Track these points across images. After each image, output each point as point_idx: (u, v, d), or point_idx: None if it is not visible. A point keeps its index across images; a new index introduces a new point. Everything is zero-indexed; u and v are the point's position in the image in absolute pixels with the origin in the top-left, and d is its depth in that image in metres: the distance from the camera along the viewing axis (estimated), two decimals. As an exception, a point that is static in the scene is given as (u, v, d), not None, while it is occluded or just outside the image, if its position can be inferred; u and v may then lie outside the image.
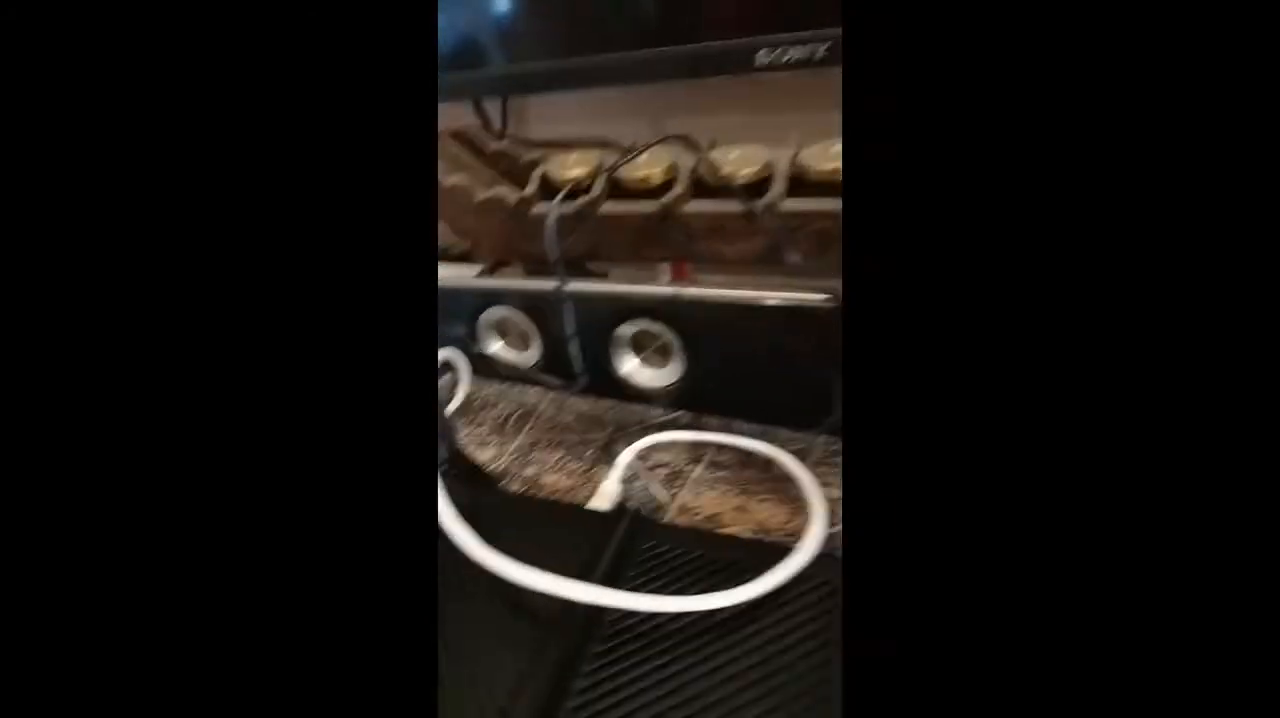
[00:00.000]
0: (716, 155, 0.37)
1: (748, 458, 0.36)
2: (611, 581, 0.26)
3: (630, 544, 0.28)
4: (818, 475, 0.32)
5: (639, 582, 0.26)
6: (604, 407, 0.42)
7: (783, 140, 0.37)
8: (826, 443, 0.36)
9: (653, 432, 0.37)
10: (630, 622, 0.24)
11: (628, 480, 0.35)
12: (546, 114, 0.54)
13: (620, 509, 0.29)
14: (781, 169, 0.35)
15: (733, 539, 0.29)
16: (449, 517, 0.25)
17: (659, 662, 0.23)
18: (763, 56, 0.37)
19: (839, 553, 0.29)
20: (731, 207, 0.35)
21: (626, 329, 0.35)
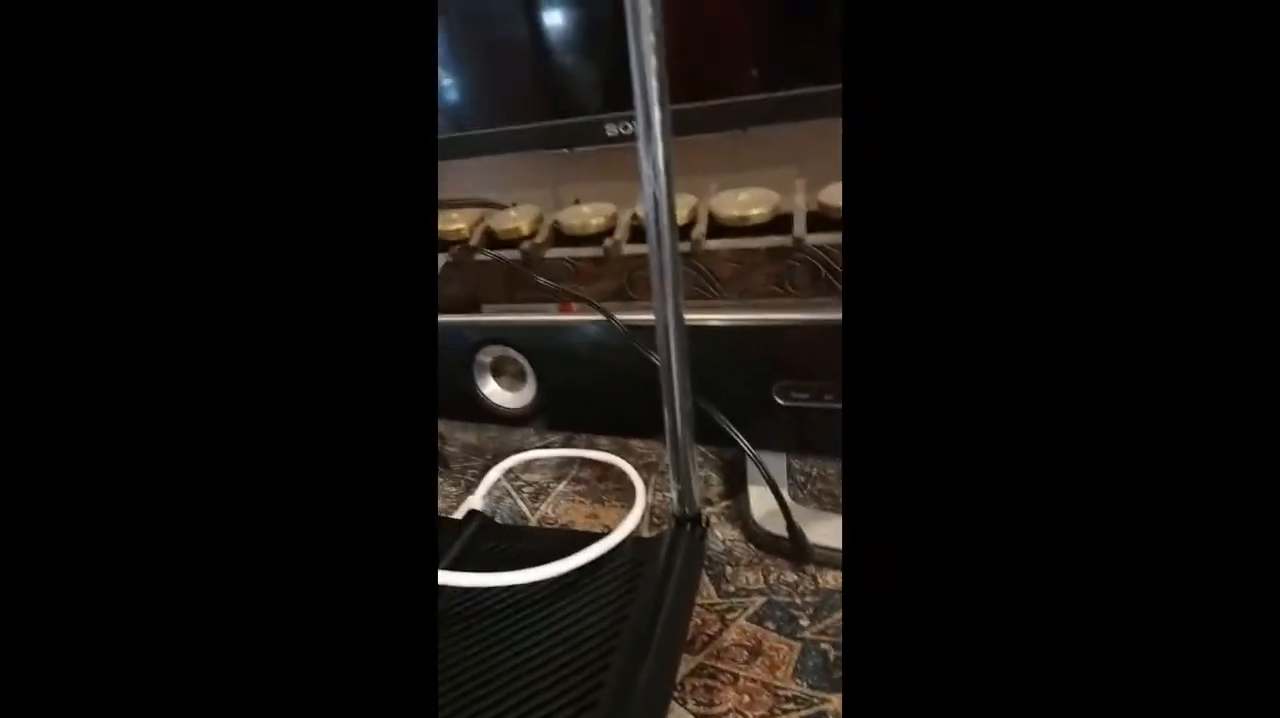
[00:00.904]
0: (571, 211, 0.43)
1: (606, 471, 0.40)
2: (458, 568, 0.29)
3: (475, 545, 0.31)
4: (667, 481, 0.36)
5: (476, 568, 0.29)
6: (488, 437, 0.46)
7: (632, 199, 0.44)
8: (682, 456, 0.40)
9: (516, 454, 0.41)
10: (457, 603, 0.27)
11: (493, 497, 0.38)
12: (452, 180, 0.60)
13: (472, 513, 0.32)
14: (624, 221, 0.41)
15: (566, 532, 0.33)
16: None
17: (478, 623, 0.26)
18: (610, 129, 0.44)
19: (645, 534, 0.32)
20: (589, 251, 0.40)
21: (484, 356, 0.39)
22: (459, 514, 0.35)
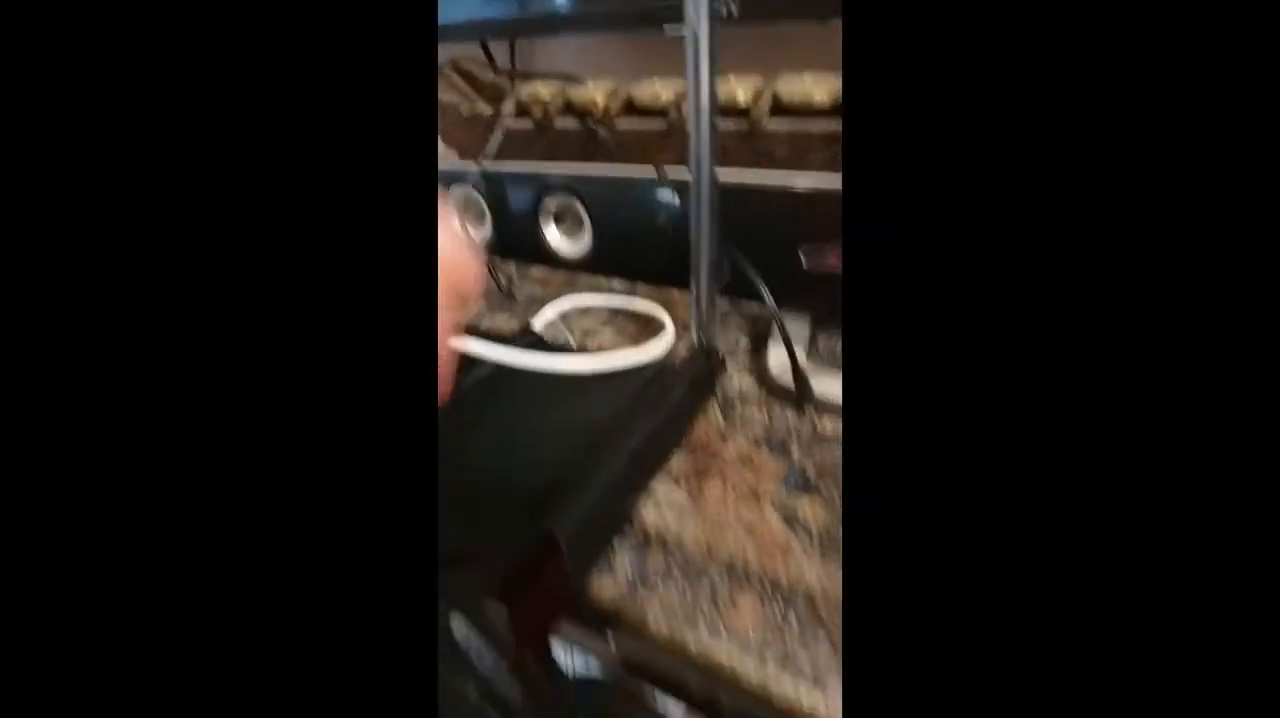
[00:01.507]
0: (642, 84, 0.46)
1: (646, 320, 0.45)
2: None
3: (530, 345, 0.37)
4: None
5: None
6: (551, 291, 0.52)
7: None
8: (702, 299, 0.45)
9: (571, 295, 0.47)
10: (500, 378, 0.34)
11: (550, 332, 0.45)
12: (552, 54, 0.64)
13: (525, 329, 0.39)
14: (675, 92, 0.44)
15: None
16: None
17: (512, 405, 0.33)
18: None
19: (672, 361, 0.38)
20: (657, 124, 0.44)
21: (550, 203, 0.45)
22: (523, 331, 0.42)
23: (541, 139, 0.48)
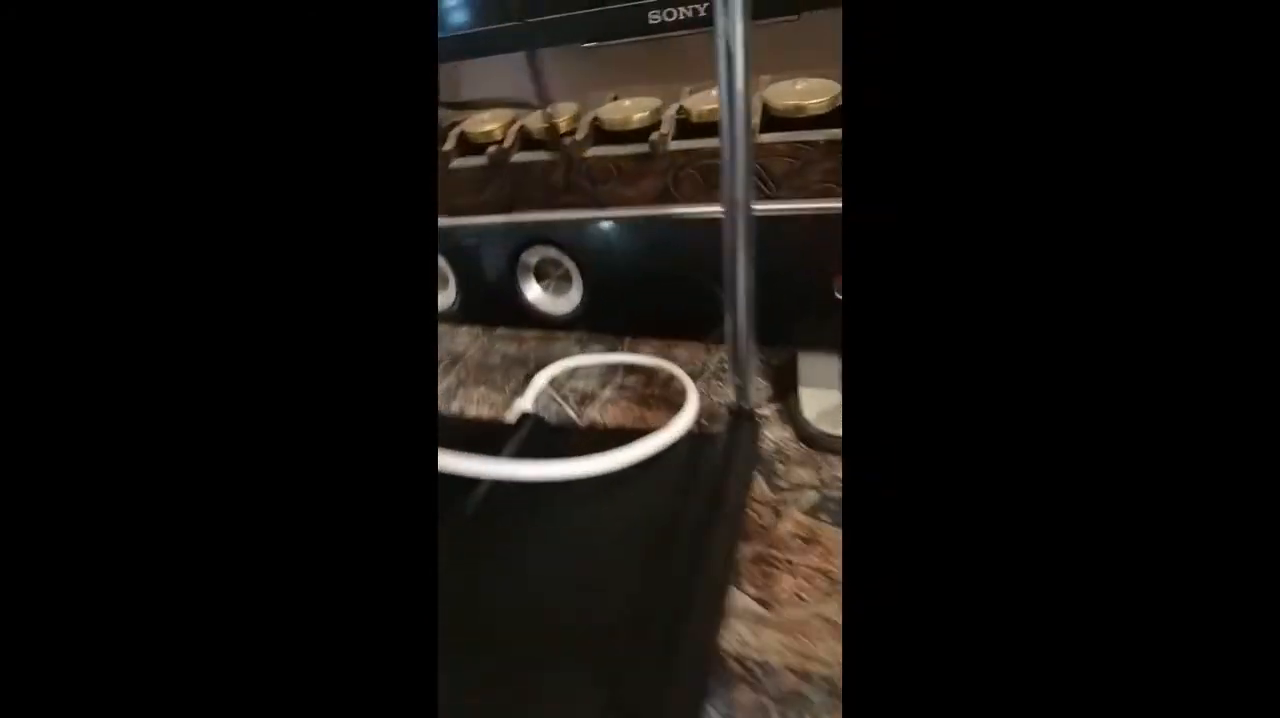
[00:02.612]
0: (612, 106, 0.40)
1: (651, 377, 0.39)
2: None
3: (529, 444, 0.31)
4: (711, 386, 0.35)
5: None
6: (529, 348, 0.45)
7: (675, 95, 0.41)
8: (721, 360, 0.40)
9: (562, 360, 0.40)
10: (513, 490, 0.27)
11: (544, 406, 0.38)
12: (474, 82, 0.57)
13: (525, 416, 0.32)
14: (669, 114, 0.39)
15: (621, 431, 0.33)
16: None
17: (534, 521, 0.26)
18: (654, 16, 0.41)
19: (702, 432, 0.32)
20: (632, 149, 0.38)
21: (529, 257, 0.38)
22: (510, 417, 0.35)
23: (497, 180, 0.41)
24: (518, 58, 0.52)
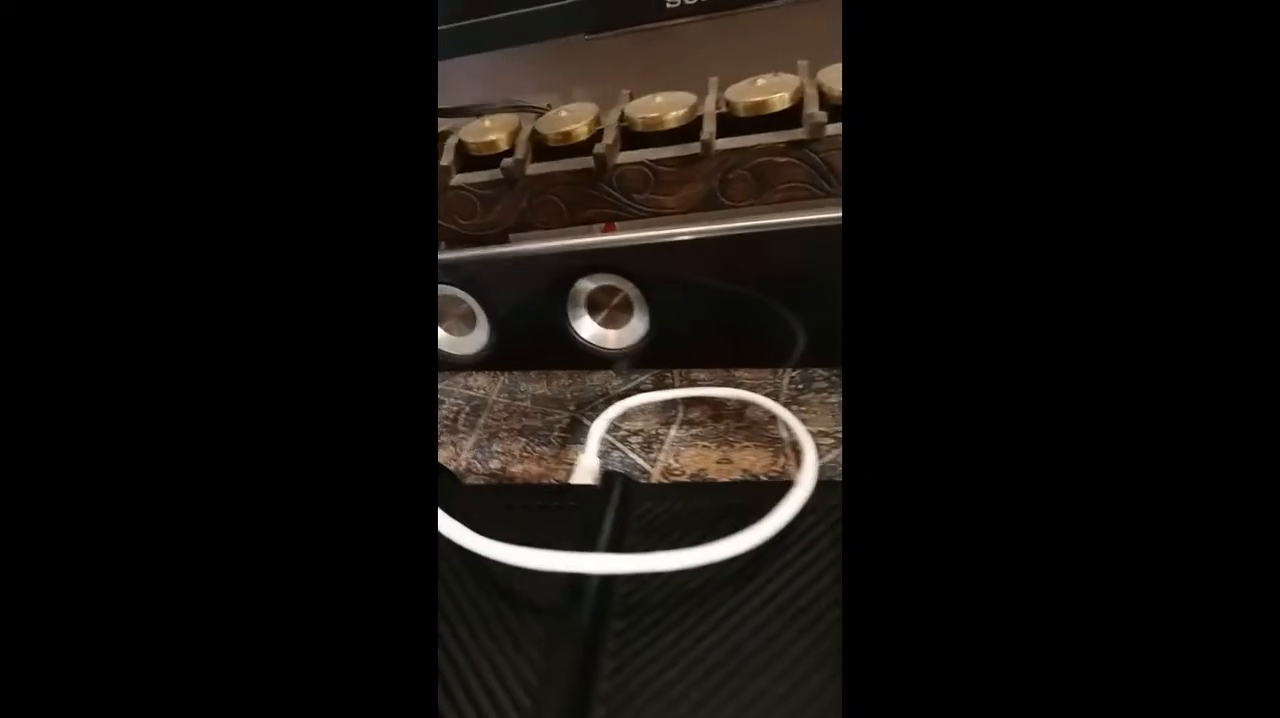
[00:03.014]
0: (639, 103, 0.35)
1: (719, 409, 0.35)
2: (616, 549, 0.24)
3: (625, 511, 0.26)
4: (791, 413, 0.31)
5: (646, 545, 0.24)
6: (561, 385, 0.40)
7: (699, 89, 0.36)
8: (791, 381, 0.36)
9: (617, 401, 0.35)
10: (645, 590, 0.22)
11: (603, 455, 0.33)
12: (452, 86, 0.50)
13: (608, 477, 0.27)
14: (709, 110, 0.34)
15: (728, 486, 0.28)
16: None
17: (686, 623, 0.21)
18: (671, 2, 0.36)
19: (837, 478, 0.28)
20: (667, 152, 0.34)
21: (584, 286, 0.33)
22: (582, 478, 0.30)
23: (507, 197, 0.35)
24: (493, 57, 0.45)
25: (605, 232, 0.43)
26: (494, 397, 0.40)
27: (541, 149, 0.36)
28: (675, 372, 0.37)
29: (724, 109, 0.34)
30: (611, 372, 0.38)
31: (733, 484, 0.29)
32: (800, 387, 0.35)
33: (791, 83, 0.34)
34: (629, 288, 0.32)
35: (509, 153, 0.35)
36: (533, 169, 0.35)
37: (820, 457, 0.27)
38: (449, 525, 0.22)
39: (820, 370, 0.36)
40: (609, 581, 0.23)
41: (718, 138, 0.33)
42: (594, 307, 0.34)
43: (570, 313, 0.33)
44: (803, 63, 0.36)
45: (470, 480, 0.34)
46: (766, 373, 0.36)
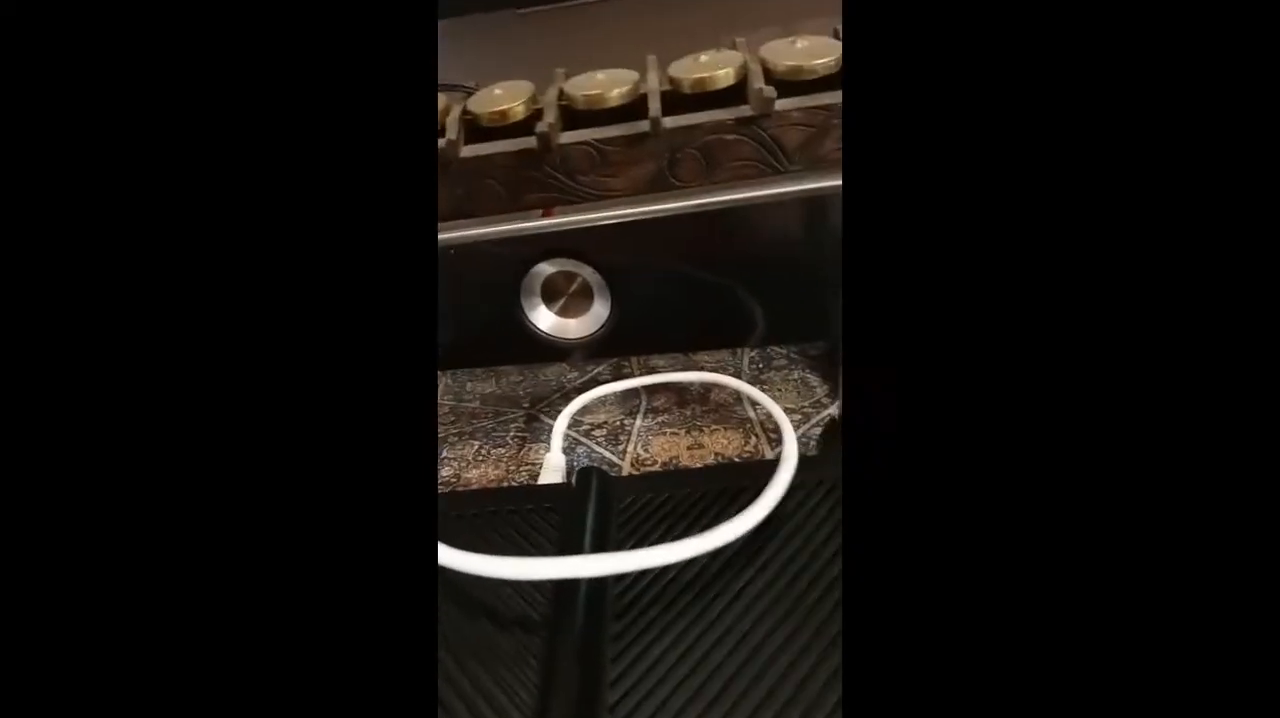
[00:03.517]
0: (579, 81, 0.34)
1: (684, 395, 0.34)
2: (602, 548, 0.23)
3: (605, 507, 0.24)
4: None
5: (634, 541, 0.23)
6: (512, 382, 0.37)
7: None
8: (751, 361, 0.35)
9: (575, 394, 0.33)
10: (638, 589, 0.21)
11: (567, 451, 0.31)
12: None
13: (584, 473, 0.25)
14: (653, 87, 0.33)
15: (706, 471, 0.27)
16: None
17: (686, 618, 0.20)
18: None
19: (813, 453, 0.28)
20: (612, 131, 0.32)
21: (541, 270, 0.31)
22: (551, 477, 0.28)
23: (444, 181, 0.33)
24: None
25: (545, 217, 0.41)
26: (438, 400, 0.37)
27: (475, 130, 0.33)
28: (634, 359, 0.36)
29: (668, 86, 0.33)
30: (565, 365, 0.37)
31: (711, 469, 0.28)
32: (760, 366, 0.35)
33: (735, 58, 0.33)
34: (588, 272, 0.30)
35: (438, 135, 0.32)
36: (466, 151, 0.33)
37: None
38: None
39: (778, 348, 0.36)
40: (599, 582, 0.21)
41: (664, 116, 0.32)
42: (550, 295, 0.32)
43: (525, 302, 0.31)
44: (741, 39, 0.36)
45: (421, 492, 0.31)
46: (725, 354, 0.36)
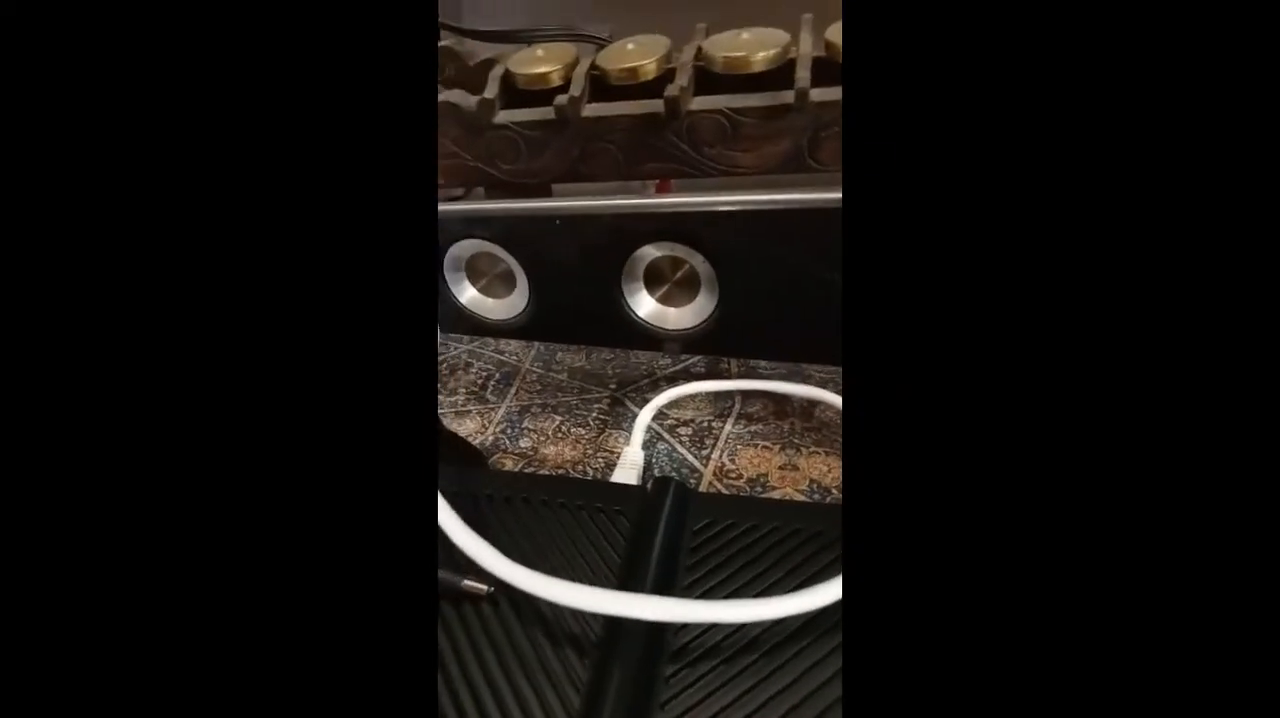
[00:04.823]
0: (721, 39, 0.30)
1: (783, 405, 0.31)
2: (669, 576, 0.21)
3: (678, 526, 0.22)
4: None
5: (704, 573, 0.21)
6: (602, 359, 0.36)
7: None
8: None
9: (667, 384, 0.31)
10: (698, 632, 0.19)
11: (648, 445, 0.29)
12: (497, 5, 0.44)
13: (663, 482, 0.23)
14: (805, 53, 0.29)
15: (796, 508, 0.25)
16: (448, 517, 0.19)
17: (746, 681, 0.18)
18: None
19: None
20: (750, 100, 0.28)
21: (646, 253, 0.28)
22: (625, 476, 0.26)
23: (558, 141, 0.31)
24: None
25: (659, 190, 0.38)
26: (527, 365, 0.37)
27: (601, 87, 0.31)
28: (732, 362, 0.33)
29: (822, 53, 0.29)
30: (659, 350, 0.34)
31: (799, 508, 0.25)
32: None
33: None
34: (697, 260, 0.27)
35: (563, 88, 0.30)
36: (589, 110, 0.30)
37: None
38: (479, 548, 0.19)
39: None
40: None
41: (813, 87, 0.28)
42: (653, 280, 0.29)
43: (626, 285, 0.29)
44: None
45: (497, 458, 0.31)
46: (839, 371, 0.32)
